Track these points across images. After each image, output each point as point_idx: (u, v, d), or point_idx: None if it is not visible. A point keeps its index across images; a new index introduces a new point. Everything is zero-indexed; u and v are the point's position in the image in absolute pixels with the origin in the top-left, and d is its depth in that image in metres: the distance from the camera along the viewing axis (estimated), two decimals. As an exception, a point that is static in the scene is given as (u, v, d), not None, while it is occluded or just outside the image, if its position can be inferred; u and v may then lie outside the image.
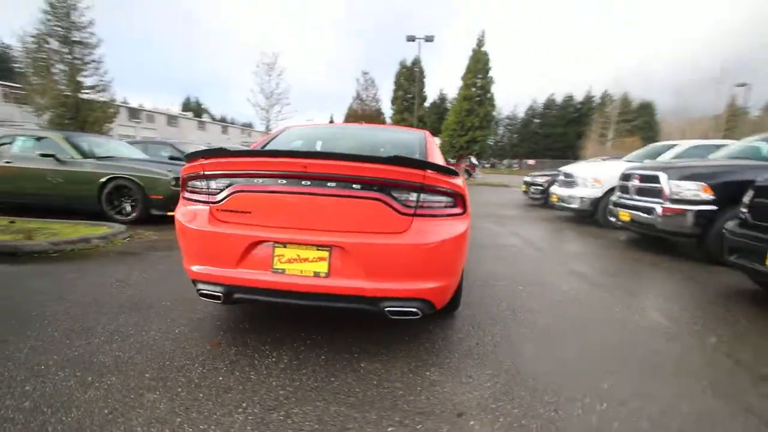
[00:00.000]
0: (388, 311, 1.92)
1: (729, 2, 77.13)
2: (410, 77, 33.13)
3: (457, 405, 1.75)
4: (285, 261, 1.91)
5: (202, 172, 2.07)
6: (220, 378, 1.87)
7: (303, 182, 1.93)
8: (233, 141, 41.36)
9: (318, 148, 3.09)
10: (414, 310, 1.94)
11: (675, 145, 7.73)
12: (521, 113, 65.96)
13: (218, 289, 2.01)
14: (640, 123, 46.06)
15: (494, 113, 21.48)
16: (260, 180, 1.97)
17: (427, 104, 41.37)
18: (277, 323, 2.49)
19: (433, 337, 2.42)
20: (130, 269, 3.55)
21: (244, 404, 1.68)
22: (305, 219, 1.96)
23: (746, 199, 3.54)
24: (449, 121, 19.99)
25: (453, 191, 2.01)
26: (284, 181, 1.95)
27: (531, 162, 45.75)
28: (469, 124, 18.92)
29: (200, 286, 2.05)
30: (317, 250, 1.90)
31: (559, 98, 61.41)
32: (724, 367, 2.18)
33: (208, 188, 2.07)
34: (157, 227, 5.41)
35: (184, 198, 2.21)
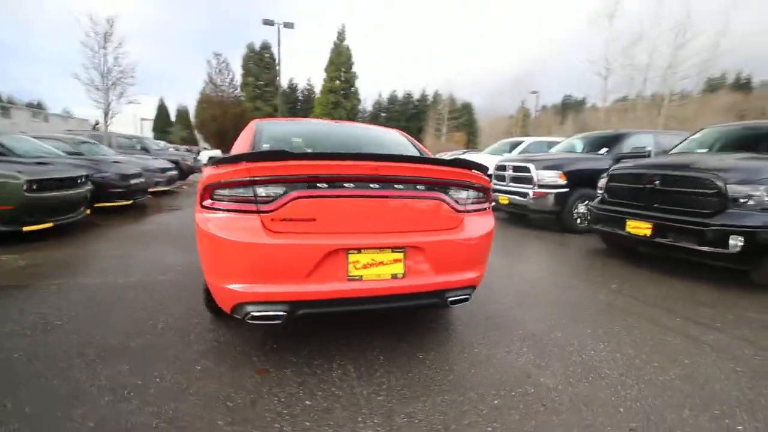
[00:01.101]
0: (450, 301, 2.09)
1: (525, 24, 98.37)
2: (260, 63, 31.36)
3: (521, 368, 2.07)
4: (360, 267, 1.87)
5: (247, 178, 1.79)
6: (307, 402, 1.73)
7: (372, 185, 1.90)
8: (24, 127, 30.94)
9: (325, 148, 2.85)
10: (467, 296, 2.16)
11: (522, 141, 9.78)
12: (369, 107, 70.05)
13: (279, 308, 1.80)
14: (464, 120, 54.93)
15: (360, 107, 22.44)
16: (324, 184, 1.85)
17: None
18: (298, 336, 2.33)
19: (447, 321, 2.68)
20: (25, 309, 2.61)
21: (359, 418, 1.63)
22: (377, 222, 1.94)
23: (602, 182, 4.91)
24: (315, 113, 19.92)
25: (486, 187, 2.28)
26: (352, 185, 1.88)
27: (383, 153, 49.04)
28: (336, 116, 19.25)
29: (250, 309, 1.80)
30: (392, 252, 1.91)
31: (400, 94, 67.49)
32: (608, 288, 3.12)
33: (255, 195, 1.81)
34: (12, 248, 3.97)
35: (209, 207, 1.86)
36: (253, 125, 2.88)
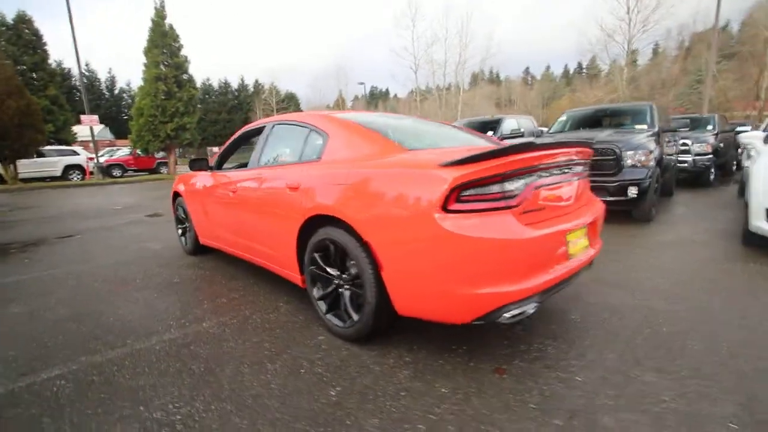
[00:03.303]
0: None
1: (340, 19, 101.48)
2: (18, 41, 23.33)
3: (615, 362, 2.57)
4: (572, 247, 1.97)
5: (501, 173, 1.64)
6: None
7: (568, 169, 2.01)
8: None
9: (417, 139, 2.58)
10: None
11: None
12: (177, 97, 60.79)
13: (533, 301, 1.75)
14: (292, 110, 54.37)
15: (198, 96, 19.26)
16: (546, 173, 1.85)
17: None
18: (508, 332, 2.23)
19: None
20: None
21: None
22: (575, 203, 2.05)
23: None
24: (142, 104, 16.20)
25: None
26: (559, 171, 1.94)
27: (215, 149, 43.96)
28: (172, 108, 16.13)
29: (511, 308, 1.69)
30: (583, 228, 2.08)
31: (215, 84, 61.07)
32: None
33: (503, 191, 1.67)
34: None
35: (459, 211, 1.62)
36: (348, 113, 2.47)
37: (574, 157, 2.05)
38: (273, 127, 2.88)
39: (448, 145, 2.36)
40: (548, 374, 1.83)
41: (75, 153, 16.54)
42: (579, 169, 2.14)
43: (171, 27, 16.49)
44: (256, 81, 61.92)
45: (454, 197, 1.63)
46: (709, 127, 8.94)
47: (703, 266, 3.26)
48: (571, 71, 65.62)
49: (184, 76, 16.82)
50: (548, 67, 69.63)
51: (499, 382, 1.78)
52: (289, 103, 56.58)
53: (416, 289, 1.77)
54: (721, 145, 8.68)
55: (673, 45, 33.69)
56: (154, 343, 2.22)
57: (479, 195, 1.65)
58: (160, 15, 16.34)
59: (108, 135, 42.59)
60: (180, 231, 4.34)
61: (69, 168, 15.95)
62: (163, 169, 20.19)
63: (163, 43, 16.10)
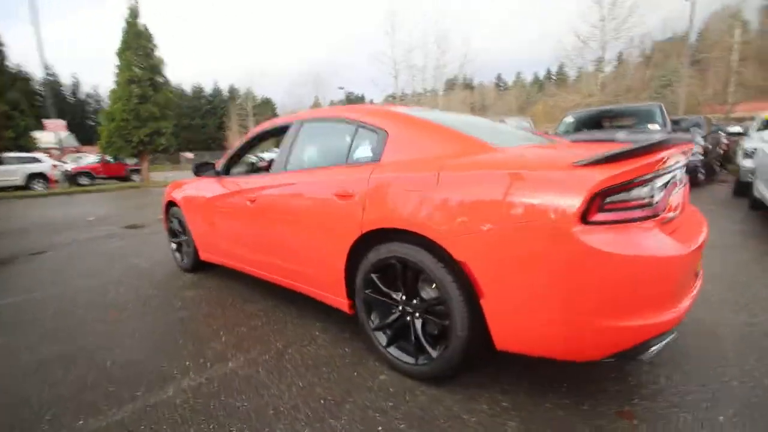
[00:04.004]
0: None
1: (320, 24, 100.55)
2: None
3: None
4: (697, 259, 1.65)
5: (649, 174, 1.30)
6: (724, 428, 1.43)
7: (679, 171, 1.69)
8: None
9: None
10: None
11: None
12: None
13: (674, 333, 1.42)
14: (269, 116, 53.39)
15: (176, 101, 18.30)
16: (671, 175, 1.53)
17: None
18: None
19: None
20: None
21: None
22: (681, 211, 1.73)
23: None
24: (113, 108, 15.17)
25: None
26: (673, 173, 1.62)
27: (189, 155, 42.44)
28: (146, 113, 15.15)
29: (655, 342, 1.35)
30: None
31: (188, 89, 59.17)
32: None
33: (648, 197, 1.33)
34: None
35: (599, 224, 1.26)
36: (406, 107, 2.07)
37: (682, 158, 1.74)
38: (302, 124, 2.45)
39: (529, 143, 2.01)
40: (682, 415, 1.49)
41: (37, 160, 15.30)
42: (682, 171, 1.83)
43: (145, 27, 15.61)
44: (231, 86, 60.48)
45: (597, 205, 1.27)
46: (699, 129, 9.08)
47: (753, 270, 3.04)
48: (542, 78, 67.57)
49: (160, 79, 15.92)
50: (519, 74, 71.37)
51: (632, 429, 1.43)
52: (265, 108, 55.54)
53: (532, 321, 1.40)
54: (710, 146, 8.83)
55: (636, 53, 35.08)
56: (172, 394, 1.74)
57: (624, 202, 1.30)
58: (134, 14, 15.44)
59: (73, 141, 40.35)
60: (174, 245, 3.81)
61: (32, 177, 14.74)
62: (135, 177, 19.01)
63: (137, 44, 15.18)
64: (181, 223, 3.57)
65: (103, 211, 8.73)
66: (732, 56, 25.32)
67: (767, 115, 6.82)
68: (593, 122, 6.74)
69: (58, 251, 4.78)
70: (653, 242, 1.29)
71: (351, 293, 2.01)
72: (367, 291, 1.89)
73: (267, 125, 2.84)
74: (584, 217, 1.26)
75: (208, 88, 61.60)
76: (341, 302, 2.06)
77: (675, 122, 7.67)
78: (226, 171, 3.10)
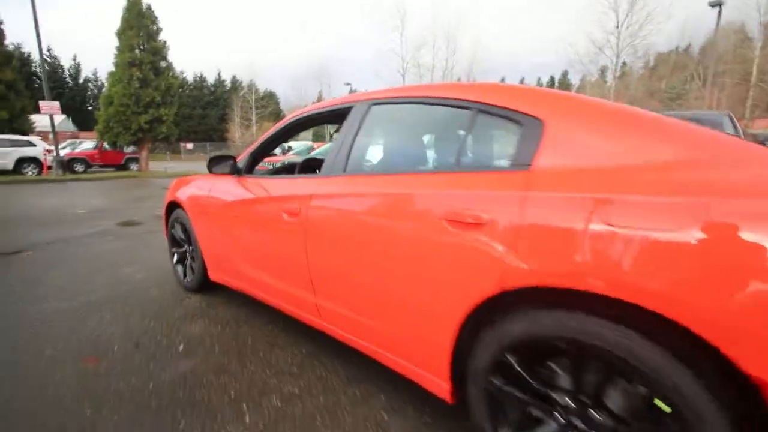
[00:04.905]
0: None
1: (325, 17, 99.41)
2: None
3: None
4: None
5: None
6: None
7: None
8: None
9: None
10: None
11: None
12: (149, 90, 57.38)
13: None
14: (272, 109, 52.64)
15: (179, 87, 17.46)
16: None
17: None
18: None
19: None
20: None
21: None
22: None
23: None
24: (112, 92, 14.32)
25: None
26: None
27: (189, 146, 41.46)
28: (147, 98, 14.33)
29: None
30: None
31: (190, 77, 58.10)
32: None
33: None
34: None
35: None
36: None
37: None
38: (370, 108, 1.70)
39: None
40: None
41: (30, 144, 14.47)
42: None
43: (149, 7, 14.78)
44: (234, 77, 59.46)
45: None
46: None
47: None
48: (545, 84, 66.79)
49: (163, 63, 15.09)
50: (522, 80, 70.68)
51: None
52: (269, 101, 54.69)
53: None
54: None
55: (639, 64, 34.38)
56: None
57: None
58: (136, -7, 14.62)
59: (70, 126, 39.44)
60: (176, 257, 3.08)
61: (22, 161, 13.91)
62: (133, 166, 18.14)
63: (139, 24, 14.35)
64: (186, 230, 2.84)
65: (96, 203, 7.97)
66: (752, 69, 24.73)
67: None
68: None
69: (37, 252, 4.03)
70: None
71: (456, 373, 1.28)
72: (494, 379, 1.17)
73: (311, 109, 2.10)
74: None
75: (210, 78, 60.61)
76: (438, 385, 1.33)
77: (753, 135, 6.99)
78: (250, 169, 2.37)
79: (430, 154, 1.54)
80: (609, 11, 24.94)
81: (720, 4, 14.99)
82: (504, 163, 1.23)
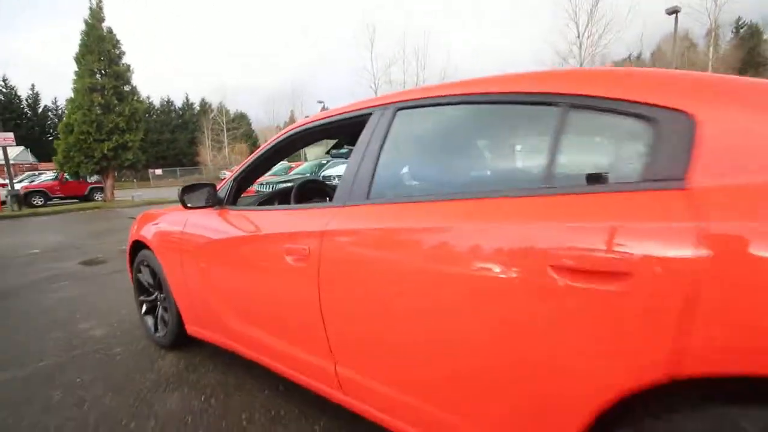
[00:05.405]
0: None
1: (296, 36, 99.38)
2: None
3: None
4: None
5: None
6: None
7: None
8: None
9: None
10: None
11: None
12: (113, 116, 55.28)
13: None
14: (243, 131, 51.76)
15: (145, 111, 16.59)
16: None
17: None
18: None
19: None
20: None
21: None
22: None
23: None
24: (71, 119, 13.40)
25: None
26: None
27: (158, 172, 39.87)
28: (110, 124, 13.50)
29: None
30: None
31: (156, 102, 56.45)
32: None
33: None
34: None
35: None
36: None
37: None
38: (396, 113, 1.30)
39: None
40: None
41: (-19, 178, 13.33)
42: None
43: (110, 31, 14.09)
44: (203, 99, 58.18)
45: None
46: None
47: None
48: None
49: (126, 87, 14.33)
50: (496, 90, 72.63)
51: None
52: (241, 122, 53.80)
53: None
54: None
55: None
56: None
57: None
58: (96, 16, 13.90)
59: (29, 158, 37.30)
60: (144, 307, 2.55)
61: (-29, 197, 12.75)
62: (98, 196, 17.02)
63: (99, 48, 13.62)
64: (155, 274, 2.34)
65: (54, 240, 7.20)
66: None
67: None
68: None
69: None
70: None
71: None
72: None
73: (312, 120, 1.67)
74: None
75: (178, 102, 59.17)
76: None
77: None
78: (234, 198, 1.92)
79: (499, 170, 1.16)
80: (570, 22, 25.97)
81: (676, 12, 15.73)
82: (628, 178, 0.85)
